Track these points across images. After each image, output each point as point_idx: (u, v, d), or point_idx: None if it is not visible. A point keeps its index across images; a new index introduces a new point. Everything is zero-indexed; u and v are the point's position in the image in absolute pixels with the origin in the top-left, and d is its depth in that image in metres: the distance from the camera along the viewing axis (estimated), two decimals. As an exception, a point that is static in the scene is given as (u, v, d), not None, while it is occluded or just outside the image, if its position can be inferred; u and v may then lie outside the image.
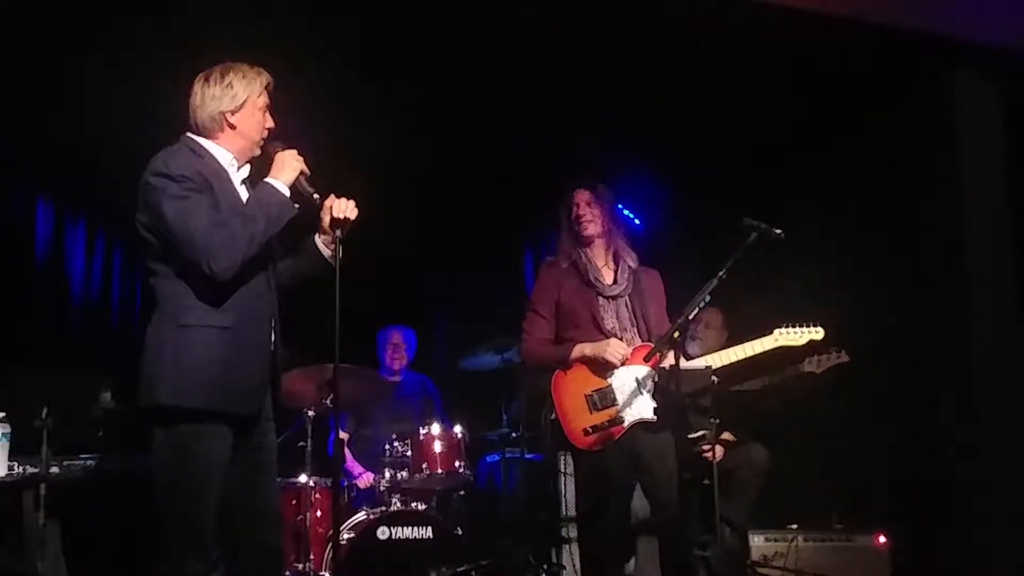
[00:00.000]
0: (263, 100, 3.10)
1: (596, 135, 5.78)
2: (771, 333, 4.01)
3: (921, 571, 4.83)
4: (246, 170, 3.12)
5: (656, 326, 3.97)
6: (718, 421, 4.33)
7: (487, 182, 6.33)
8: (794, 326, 4.02)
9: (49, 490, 4.06)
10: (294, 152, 3.08)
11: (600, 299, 3.99)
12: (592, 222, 4.04)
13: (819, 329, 4.05)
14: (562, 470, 5.43)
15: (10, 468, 3.97)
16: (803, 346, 4.07)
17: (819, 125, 5.54)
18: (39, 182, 6.14)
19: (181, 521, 2.88)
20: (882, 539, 4.79)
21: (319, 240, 3.17)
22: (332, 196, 3.12)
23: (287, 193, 3.02)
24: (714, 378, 3.88)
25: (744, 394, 4.79)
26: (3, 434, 3.95)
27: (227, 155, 3.07)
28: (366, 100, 5.35)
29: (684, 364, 3.79)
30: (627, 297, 4.02)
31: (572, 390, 3.90)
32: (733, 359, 3.97)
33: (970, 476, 4.97)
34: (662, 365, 3.79)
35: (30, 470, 4.03)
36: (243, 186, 3.09)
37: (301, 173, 3.06)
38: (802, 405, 5.09)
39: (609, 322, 3.96)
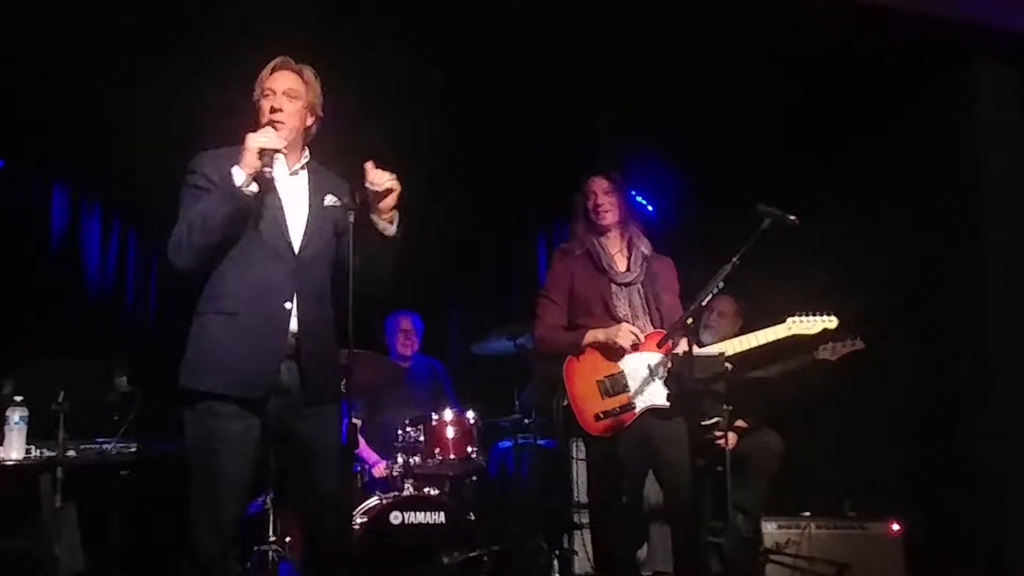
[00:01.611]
0: (267, 84, 3.11)
1: (610, 122, 5.76)
2: (784, 321, 4.01)
3: (935, 558, 4.82)
4: (300, 162, 3.16)
5: (669, 313, 3.97)
6: (731, 408, 4.32)
7: (501, 168, 6.32)
8: (808, 315, 4.02)
9: (66, 473, 4.10)
10: (259, 132, 3.00)
11: (613, 286, 4.00)
12: (610, 211, 4.05)
13: (832, 318, 4.04)
14: (574, 456, 5.44)
15: (27, 452, 4.00)
16: (816, 335, 4.06)
17: (836, 112, 5.50)
18: (55, 168, 6.16)
19: (200, 499, 2.96)
20: (895, 526, 4.78)
21: (374, 218, 3.13)
22: (370, 165, 3.07)
23: (238, 180, 2.95)
24: (728, 364, 3.87)
25: (758, 381, 4.78)
26: (20, 418, 3.98)
27: None
28: (382, 89, 5.35)
29: (697, 351, 3.79)
30: (640, 284, 4.02)
31: (584, 376, 3.91)
32: (746, 347, 3.97)
33: (984, 463, 4.95)
34: (675, 351, 3.79)
35: (47, 453, 4.06)
36: (294, 176, 3.14)
37: (264, 151, 2.97)
38: (815, 392, 5.08)
39: (622, 309, 3.96)
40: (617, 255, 4.07)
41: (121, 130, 5.45)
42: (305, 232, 3.11)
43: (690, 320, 3.65)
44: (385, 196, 3.08)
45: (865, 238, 5.56)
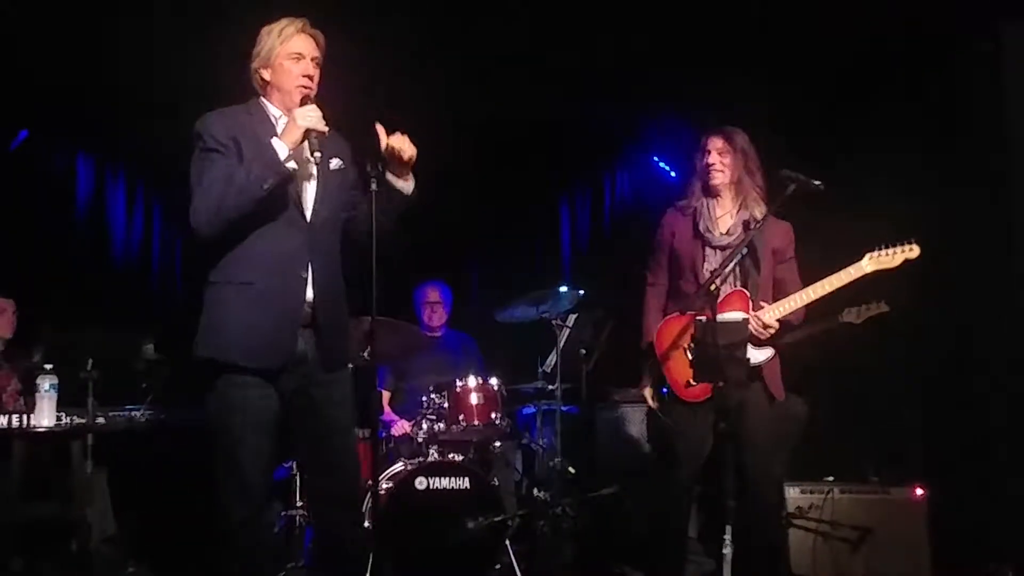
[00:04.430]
0: (293, 47, 3.05)
1: (634, 87, 5.71)
2: (863, 258, 3.76)
3: (957, 524, 4.81)
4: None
5: (765, 277, 3.85)
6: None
7: (524, 134, 6.30)
8: (886, 247, 3.76)
9: (96, 440, 4.17)
10: (305, 109, 2.98)
11: (707, 249, 3.89)
12: (722, 171, 3.90)
13: (914, 246, 3.76)
14: (597, 423, 5.45)
15: (58, 419, 4.07)
16: (896, 268, 3.78)
17: (864, 74, 5.44)
18: (79, 137, 6.19)
19: (224, 466, 2.97)
20: (918, 492, 4.78)
21: (391, 179, 3.11)
22: (381, 128, 3.06)
23: (282, 154, 2.93)
24: (750, 328, 3.82)
25: (783, 345, 4.75)
26: (51, 386, 4.05)
27: (278, 113, 3.08)
28: (404, 52, 5.33)
29: (723, 317, 3.73)
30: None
31: (673, 341, 3.87)
32: (828, 290, 3.76)
33: (1007, 428, 4.92)
34: (700, 318, 3.77)
35: (77, 420, 4.13)
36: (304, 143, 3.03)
37: (310, 131, 2.95)
38: (839, 357, 5.06)
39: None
40: (723, 217, 3.93)
41: (145, 98, 5.47)
42: (316, 199, 3.08)
43: (713, 287, 3.61)
44: (404, 159, 3.07)
45: (890, 201, 5.50)
